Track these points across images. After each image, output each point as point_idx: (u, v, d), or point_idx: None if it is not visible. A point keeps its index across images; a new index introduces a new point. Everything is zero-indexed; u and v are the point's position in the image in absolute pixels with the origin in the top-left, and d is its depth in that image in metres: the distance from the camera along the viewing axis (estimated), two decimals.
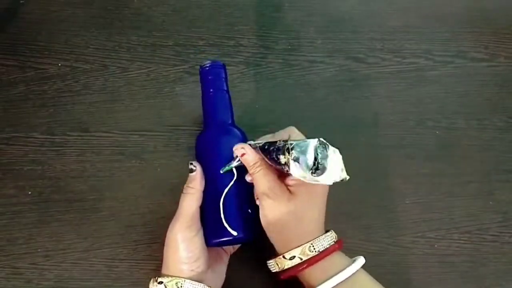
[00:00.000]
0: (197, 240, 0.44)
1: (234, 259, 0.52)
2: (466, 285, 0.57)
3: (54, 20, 0.61)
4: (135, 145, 0.58)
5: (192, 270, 0.44)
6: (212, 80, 0.49)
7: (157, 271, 0.54)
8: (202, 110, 0.50)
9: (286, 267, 0.45)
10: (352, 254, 0.57)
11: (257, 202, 0.45)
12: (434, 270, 0.57)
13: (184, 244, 0.44)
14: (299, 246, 0.44)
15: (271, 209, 0.43)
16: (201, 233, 0.45)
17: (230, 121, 0.49)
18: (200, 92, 0.50)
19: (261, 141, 0.45)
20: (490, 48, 0.64)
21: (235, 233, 0.44)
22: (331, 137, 0.59)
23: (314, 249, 0.44)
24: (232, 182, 0.45)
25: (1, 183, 0.56)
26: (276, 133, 0.48)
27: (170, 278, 0.43)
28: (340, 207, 0.58)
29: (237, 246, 0.52)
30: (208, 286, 0.44)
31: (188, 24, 0.62)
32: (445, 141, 0.61)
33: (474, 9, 0.65)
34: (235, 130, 0.49)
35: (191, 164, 0.46)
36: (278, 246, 0.46)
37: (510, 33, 0.65)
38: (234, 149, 0.45)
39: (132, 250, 0.55)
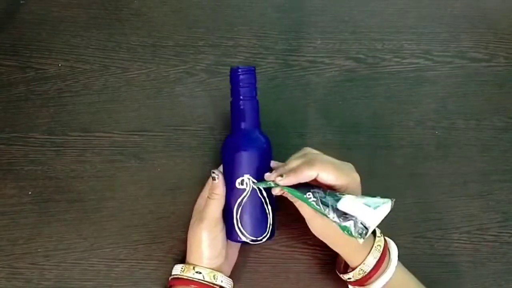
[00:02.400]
0: (219, 239, 0.49)
1: None
2: (466, 285, 0.57)
3: (55, 20, 0.61)
4: (135, 145, 0.58)
5: (212, 263, 0.49)
6: (243, 87, 0.48)
7: (157, 270, 0.54)
8: (231, 113, 0.50)
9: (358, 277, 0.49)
10: None
11: (308, 223, 0.48)
12: (433, 270, 0.57)
13: (208, 242, 0.48)
14: (370, 251, 0.48)
15: (322, 227, 0.47)
16: (223, 232, 0.49)
17: (257, 129, 0.49)
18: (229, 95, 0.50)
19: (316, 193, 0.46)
20: (489, 48, 0.64)
21: (244, 239, 0.48)
22: (331, 138, 0.60)
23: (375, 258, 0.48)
24: (245, 193, 0.48)
25: (1, 183, 0.56)
26: (292, 158, 0.48)
27: (208, 270, 0.48)
28: None
29: None
30: (230, 279, 0.51)
31: (188, 25, 0.62)
32: (444, 141, 0.61)
33: (474, 9, 0.65)
34: (260, 140, 0.49)
35: (213, 173, 0.49)
36: (346, 256, 0.50)
37: (509, 33, 0.65)
38: (275, 191, 0.47)
39: (132, 250, 0.55)
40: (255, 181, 0.47)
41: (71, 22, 0.61)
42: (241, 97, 0.48)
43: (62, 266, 0.54)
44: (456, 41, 0.64)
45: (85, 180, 0.57)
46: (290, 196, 0.46)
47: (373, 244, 0.48)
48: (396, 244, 0.57)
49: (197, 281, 0.48)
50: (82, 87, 0.59)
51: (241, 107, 0.48)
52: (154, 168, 0.58)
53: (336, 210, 0.44)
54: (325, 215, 0.44)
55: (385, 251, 0.49)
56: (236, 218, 0.48)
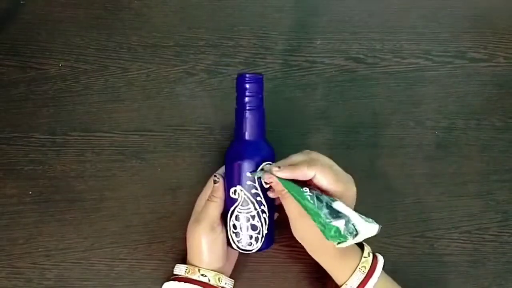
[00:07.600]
0: (219, 243, 0.48)
1: None
2: (466, 285, 0.57)
3: (55, 20, 0.61)
4: (135, 145, 0.58)
5: (214, 266, 0.49)
6: (250, 96, 0.47)
7: (157, 270, 0.54)
8: (235, 120, 0.49)
9: None
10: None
11: (291, 223, 0.47)
12: (433, 270, 0.57)
13: (207, 246, 0.48)
14: (353, 272, 0.47)
15: (305, 229, 0.46)
16: (222, 236, 0.49)
17: (260, 140, 0.49)
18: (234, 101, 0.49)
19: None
20: (489, 48, 0.64)
21: (234, 247, 0.49)
22: (331, 137, 0.60)
23: (364, 270, 0.47)
24: (236, 204, 0.47)
25: (1, 183, 0.56)
26: (294, 155, 0.47)
27: (213, 273, 0.48)
28: None
29: None
30: (232, 279, 0.51)
31: (188, 25, 0.62)
32: (444, 141, 0.61)
33: (474, 9, 0.65)
34: (260, 152, 0.48)
35: (215, 176, 0.49)
36: (328, 268, 0.49)
37: (509, 33, 0.65)
38: (264, 178, 0.47)
39: (132, 250, 0.55)
40: (247, 193, 0.47)
41: (71, 22, 0.61)
42: (247, 107, 0.47)
43: (63, 265, 0.54)
44: (456, 41, 0.64)
45: (85, 180, 0.57)
46: (281, 189, 0.45)
47: (358, 264, 0.47)
48: (396, 244, 0.57)
49: (204, 283, 0.48)
50: (82, 87, 0.59)
51: (246, 116, 0.47)
52: (154, 168, 0.58)
53: (329, 207, 0.43)
54: (317, 212, 0.43)
55: (371, 273, 0.47)
56: (229, 225, 0.48)
